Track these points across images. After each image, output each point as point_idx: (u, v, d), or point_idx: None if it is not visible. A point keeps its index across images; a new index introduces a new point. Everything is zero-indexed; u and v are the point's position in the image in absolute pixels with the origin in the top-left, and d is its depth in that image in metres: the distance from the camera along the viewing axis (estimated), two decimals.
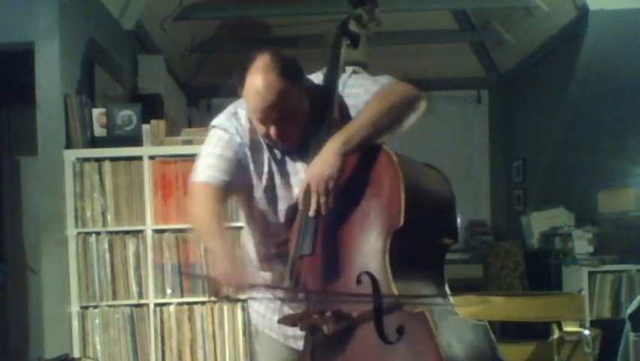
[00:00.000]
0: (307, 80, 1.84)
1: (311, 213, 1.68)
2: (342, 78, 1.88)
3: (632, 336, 3.99)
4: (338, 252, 1.69)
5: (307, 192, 1.69)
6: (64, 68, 3.73)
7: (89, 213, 3.61)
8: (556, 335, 3.70)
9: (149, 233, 3.60)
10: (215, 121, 1.94)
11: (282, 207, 1.90)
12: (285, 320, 1.70)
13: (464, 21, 6.92)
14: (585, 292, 4.44)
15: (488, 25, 6.67)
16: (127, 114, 3.68)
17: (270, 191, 1.89)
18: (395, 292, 1.55)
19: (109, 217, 3.61)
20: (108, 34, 4.58)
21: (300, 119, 1.79)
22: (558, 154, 5.78)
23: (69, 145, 3.65)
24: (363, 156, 1.71)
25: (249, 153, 1.88)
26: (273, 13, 6.25)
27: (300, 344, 1.88)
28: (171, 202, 3.62)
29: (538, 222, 5.59)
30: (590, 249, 4.84)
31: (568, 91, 5.49)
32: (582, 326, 3.92)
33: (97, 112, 3.73)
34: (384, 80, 1.85)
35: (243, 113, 1.90)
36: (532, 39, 6.13)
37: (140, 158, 3.62)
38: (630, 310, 4.05)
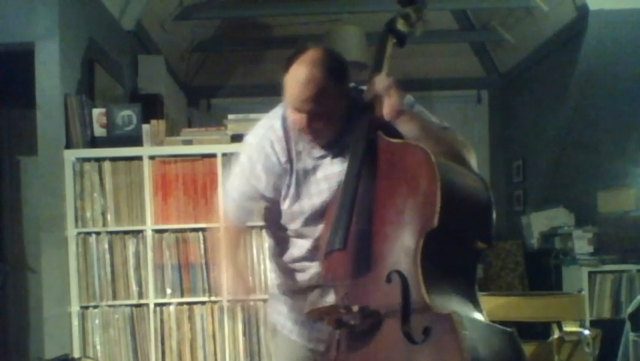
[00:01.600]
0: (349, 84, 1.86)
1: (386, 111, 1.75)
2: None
3: (632, 336, 3.99)
4: (369, 248, 1.67)
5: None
6: (64, 68, 3.73)
7: (89, 213, 3.61)
8: (556, 335, 3.70)
9: (149, 233, 3.60)
10: (250, 138, 1.97)
11: (308, 207, 1.90)
12: (312, 313, 1.70)
13: (464, 21, 6.91)
14: (585, 292, 4.44)
15: (488, 25, 6.66)
16: (127, 114, 3.68)
17: (295, 197, 1.91)
18: (424, 292, 1.54)
19: (109, 217, 3.61)
20: (108, 34, 4.58)
21: (332, 120, 1.80)
22: (558, 154, 5.78)
23: (69, 145, 3.65)
24: (402, 154, 1.70)
25: (283, 164, 1.90)
26: (273, 13, 6.25)
27: (321, 347, 1.89)
28: (171, 202, 3.62)
29: (538, 222, 5.59)
30: (590, 249, 4.84)
31: (568, 91, 5.48)
32: (582, 326, 3.92)
33: (97, 112, 3.73)
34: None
35: (278, 125, 1.91)
36: (532, 39, 6.12)
37: (140, 158, 3.63)
38: (630, 310, 4.05)
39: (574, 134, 5.52)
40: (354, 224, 1.70)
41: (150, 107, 4.48)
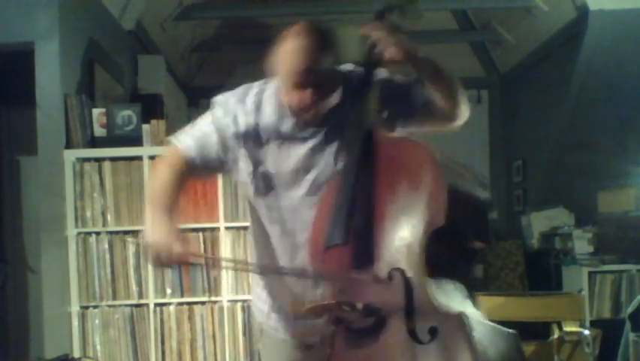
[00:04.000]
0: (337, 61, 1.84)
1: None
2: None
3: (632, 336, 3.99)
4: (369, 244, 1.64)
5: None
6: (64, 68, 3.73)
7: (89, 213, 3.61)
8: (556, 335, 3.70)
9: None
10: (218, 97, 1.95)
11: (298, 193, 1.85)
12: (313, 310, 1.65)
13: (464, 21, 6.91)
14: (585, 292, 4.44)
15: (488, 25, 6.66)
16: (127, 114, 3.68)
17: (273, 177, 1.86)
18: (428, 291, 1.52)
19: (109, 217, 3.61)
20: (108, 34, 4.58)
21: (328, 91, 1.78)
22: (558, 154, 5.78)
23: (69, 145, 3.65)
24: (402, 150, 1.69)
25: (244, 137, 1.86)
26: (273, 13, 6.25)
27: (309, 339, 1.87)
28: None
29: (538, 222, 5.60)
30: (590, 249, 4.84)
31: (568, 91, 5.48)
32: (582, 326, 3.92)
33: (97, 112, 3.73)
34: None
35: (251, 95, 1.89)
36: (532, 39, 6.13)
37: (140, 158, 3.63)
38: (630, 310, 4.05)
39: (574, 134, 5.51)
40: (354, 219, 1.66)
41: (150, 107, 4.48)
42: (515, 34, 6.39)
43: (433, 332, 1.48)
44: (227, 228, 3.60)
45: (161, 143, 3.67)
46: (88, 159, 3.63)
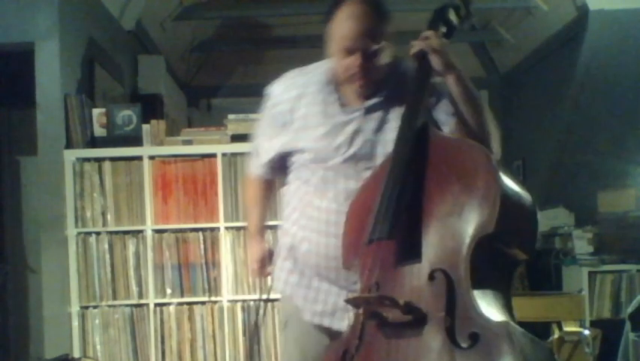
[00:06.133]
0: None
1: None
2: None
3: (632, 336, 3.98)
4: (414, 241, 1.59)
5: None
6: (64, 68, 3.73)
7: (89, 213, 3.61)
8: (556, 335, 3.69)
9: (149, 233, 3.60)
10: (270, 88, 2.03)
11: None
12: (355, 301, 1.62)
13: None
14: (585, 292, 4.44)
15: (488, 25, 6.66)
16: (127, 114, 3.68)
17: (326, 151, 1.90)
18: (472, 296, 1.47)
19: (109, 217, 3.61)
20: (108, 34, 4.58)
21: (377, 60, 1.83)
22: (558, 154, 5.78)
23: (69, 145, 3.65)
24: (457, 150, 1.66)
25: (300, 113, 1.93)
26: (273, 13, 6.25)
27: (334, 322, 1.88)
28: (171, 202, 3.62)
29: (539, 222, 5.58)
30: (590, 249, 4.83)
31: (568, 91, 5.48)
32: (582, 326, 3.92)
33: (97, 112, 3.73)
34: None
35: (298, 77, 1.98)
36: (532, 39, 6.12)
37: (140, 158, 3.63)
38: (630, 310, 4.04)
39: (574, 134, 5.51)
40: (401, 215, 1.62)
41: (150, 107, 4.49)
42: (515, 34, 6.39)
43: (475, 338, 1.42)
44: (227, 228, 3.60)
45: (161, 143, 3.68)
46: (88, 159, 3.64)
